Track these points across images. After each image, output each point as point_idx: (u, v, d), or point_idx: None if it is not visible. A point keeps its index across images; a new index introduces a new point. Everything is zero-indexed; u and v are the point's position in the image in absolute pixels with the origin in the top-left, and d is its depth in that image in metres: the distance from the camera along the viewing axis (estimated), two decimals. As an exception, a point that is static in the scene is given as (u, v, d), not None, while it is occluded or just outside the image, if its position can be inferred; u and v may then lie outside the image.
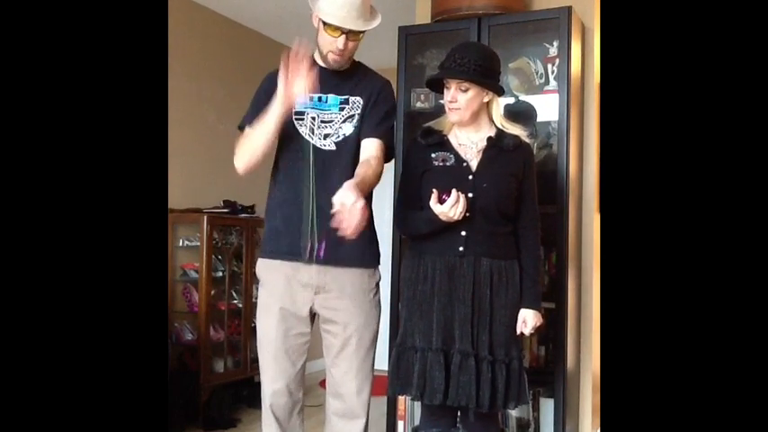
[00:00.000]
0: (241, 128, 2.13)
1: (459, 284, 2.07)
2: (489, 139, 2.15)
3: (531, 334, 2.21)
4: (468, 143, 2.17)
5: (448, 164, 2.13)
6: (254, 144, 2.02)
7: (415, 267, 2.14)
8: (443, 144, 2.17)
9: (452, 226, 2.06)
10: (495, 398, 2.04)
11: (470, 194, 2.07)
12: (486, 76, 2.10)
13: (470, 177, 2.10)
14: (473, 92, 2.10)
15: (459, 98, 2.10)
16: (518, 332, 2.12)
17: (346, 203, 1.75)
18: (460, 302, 2.06)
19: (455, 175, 2.11)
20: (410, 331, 2.12)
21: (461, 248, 2.08)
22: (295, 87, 1.87)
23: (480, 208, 2.08)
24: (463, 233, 2.08)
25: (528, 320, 2.12)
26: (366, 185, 1.92)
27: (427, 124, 2.25)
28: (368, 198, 2.14)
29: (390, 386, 2.14)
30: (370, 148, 2.06)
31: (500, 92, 2.16)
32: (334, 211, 1.76)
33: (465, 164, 2.12)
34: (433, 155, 2.15)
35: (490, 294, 2.08)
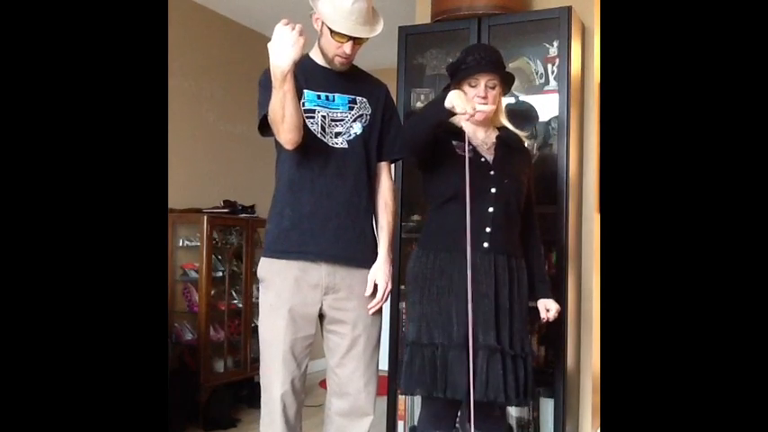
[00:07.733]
0: (263, 128, 2.02)
1: (481, 280, 2.05)
2: (498, 137, 2.18)
3: (532, 333, 2.24)
4: (479, 141, 2.18)
5: (470, 156, 2.08)
6: (278, 113, 1.86)
7: (429, 264, 2.12)
8: (459, 134, 2.13)
9: (478, 222, 2.06)
10: (520, 392, 2.05)
11: (493, 190, 2.09)
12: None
13: (492, 173, 2.11)
14: (498, 88, 2.14)
15: (488, 94, 2.11)
16: (543, 319, 2.24)
17: (380, 284, 2.06)
18: (484, 298, 2.04)
19: (478, 169, 2.09)
20: (425, 328, 2.08)
21: (486, 245, 2.08)
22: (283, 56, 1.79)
23: (502, 204, 2.10)
24: (488, 230, 2.08)
25: (550, 307, 2.22)
26: (392, 238, 2.17)
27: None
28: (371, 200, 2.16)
29: (404, 384, 2.10)
30: (387, 176, 2.17)
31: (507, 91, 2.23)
32: (368, 293, 2.05)
33: (483, 158, 2.13)
34: (453, 142, 2.13)
35: (508, 291, 2.09)
